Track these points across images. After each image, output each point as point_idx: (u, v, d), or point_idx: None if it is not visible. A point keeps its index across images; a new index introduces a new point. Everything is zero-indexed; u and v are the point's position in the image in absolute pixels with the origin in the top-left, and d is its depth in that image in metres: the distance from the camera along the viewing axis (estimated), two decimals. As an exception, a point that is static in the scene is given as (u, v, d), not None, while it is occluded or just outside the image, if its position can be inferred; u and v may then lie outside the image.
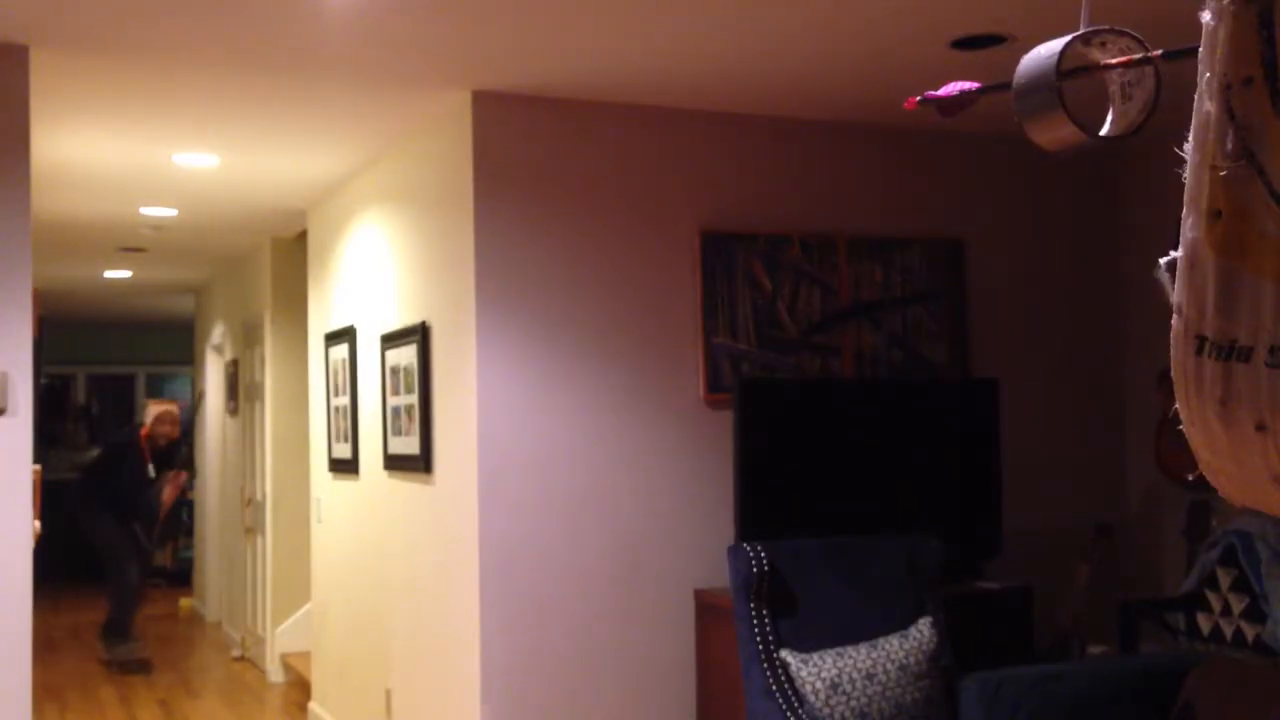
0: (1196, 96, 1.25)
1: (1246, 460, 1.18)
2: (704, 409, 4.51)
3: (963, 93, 1.79)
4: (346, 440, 5.66)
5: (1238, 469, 1.20)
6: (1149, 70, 1.58)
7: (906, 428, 4.51)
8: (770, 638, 3.79)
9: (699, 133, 4.58)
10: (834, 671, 3.68)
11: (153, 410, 8.73)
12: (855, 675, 3.69)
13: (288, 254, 7.49)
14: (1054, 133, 1.52)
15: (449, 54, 3.88)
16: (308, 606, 6.87)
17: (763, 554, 3.86)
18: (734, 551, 3.90)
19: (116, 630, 8.36)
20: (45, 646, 8.58)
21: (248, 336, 8.36)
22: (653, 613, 4.42)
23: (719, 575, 4.28)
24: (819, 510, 4.31)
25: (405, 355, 4.84)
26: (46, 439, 12.31)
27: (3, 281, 3.69)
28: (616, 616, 4.37)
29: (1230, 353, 1.17)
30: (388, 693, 5.11)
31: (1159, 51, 1.53)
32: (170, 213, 6.52)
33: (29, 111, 3.76)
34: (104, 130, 4.78)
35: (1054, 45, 1.59)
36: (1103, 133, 1.60)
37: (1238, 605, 4.10)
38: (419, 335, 4.68)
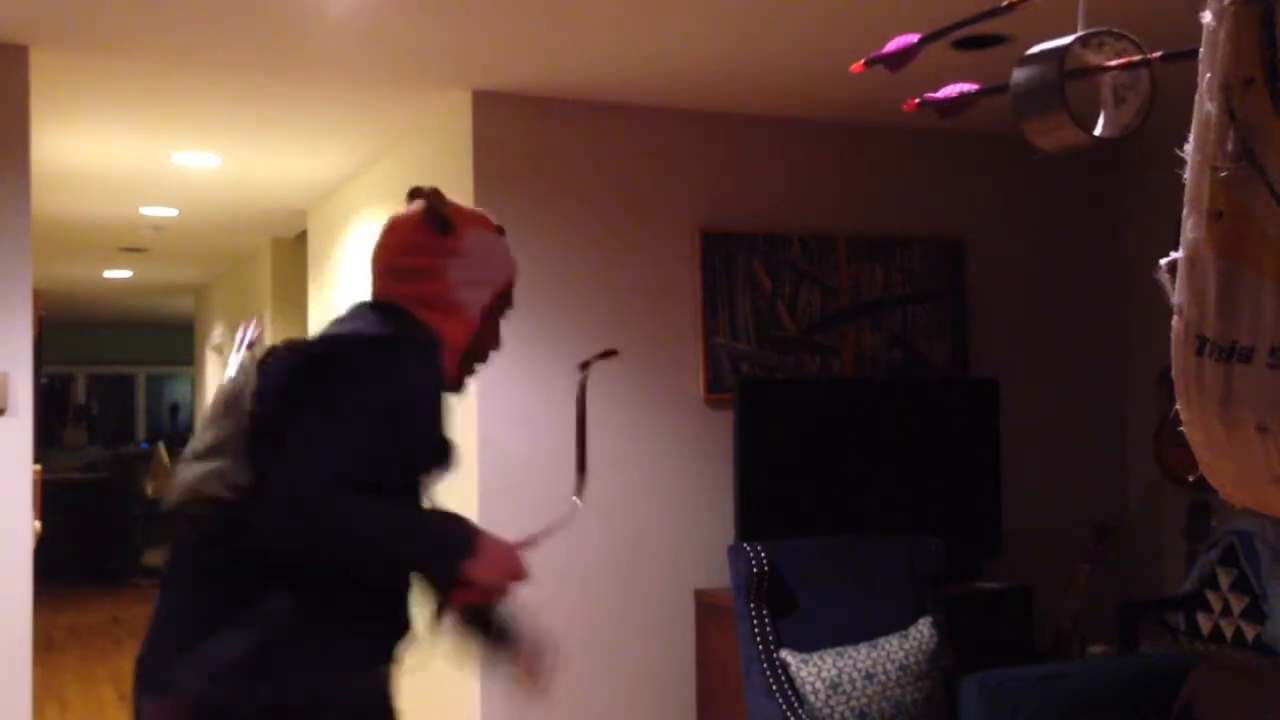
0: (1197, 97, 1.25)
1: (1247, 461, 1.18)
2: (704, 409, 4.51)
3: (962, 94, 1.79)
4: (346, 440, 5.64)
5: (1238, 470, 1.20)
6: (1144, 73, 1.58)
7: (906, 428, 4.51)
8: (770, 638, 3.79)
9: (699, 133, 4.57)
10: (834, 671, 3.68)
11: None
12: (855, 675, 3.69)
13: (288, 254, 7.48)
14: (1055, 134, 1.52)
15: (449, 54, 3.88)
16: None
17: (763, 554, 3.86)
18: (734, 551, 3.90)
19: None
20: (45, 646, 8.58)
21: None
22: (653, 613, 4.42)
23: (719, 575, 4.27)
24: (819, 510, 4.31)
25: (405, 355, 4.83)
26: (46, 439, 12.32)
27: (3, 281, 3.69)
28: (617, 616, 4.37)
29: (1231, 354, 1.17)
30: (388, 693, 5.11)
31: (1158, 54, 1.53)
32: (170, 213, 6.52)
33: (29, 111, 3.76)
34: (104, 130, 4.78)
35: (1052, 46, 1.58)
36: (1096, 134, 1.60)
37: (1238, 605, 4.10)
38: (419, 335, 4.67)
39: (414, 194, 2.10)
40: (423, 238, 2.05)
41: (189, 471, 1.86)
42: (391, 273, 2.07)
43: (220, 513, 1.81)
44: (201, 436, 1.90)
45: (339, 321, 2.04)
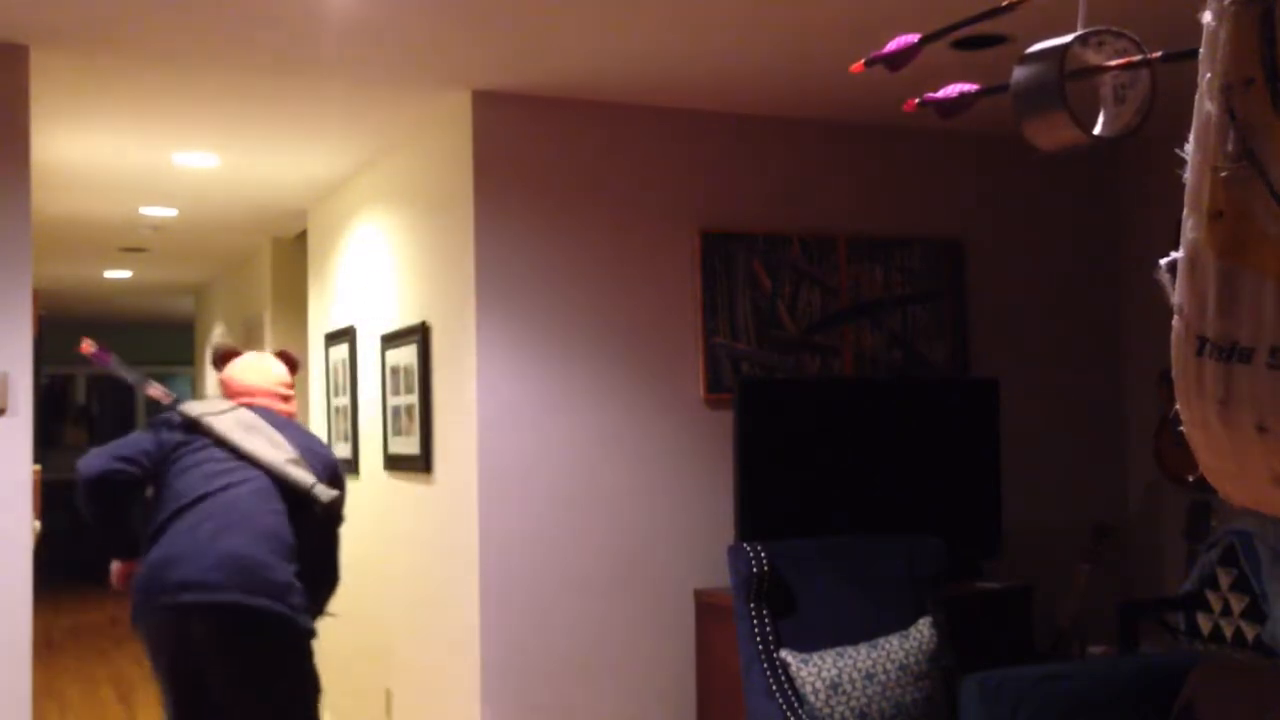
0: (1197, 97, 1.25)
1: (1247, 461, 1.18)
2: (704, 409, 4.51)
3: (962, 94, 1.79)
4: (346, 440, 5.66)
5: (1239, 470, 1.20)
6: (1144, 72, 1.58)
7: (906, 428, 4.51)
8: (770, 638, 3.79)
9: (699, 133, 4.57)
10: (834, 671, 3.68)
11: None
12: (855, 675, 3.69)
13: (288, 254, 7.48)
14: (1055, 133, 1.52)
15: (449, 54, 3.88)
16: (308, 606, 6.86)
17: (763, 554, 3.86)
18: (734, 551, 3.90)
19: None
20: (45, 646, 8.58)
21: (248, 336, 8.36)
22: (653, 613, 4.42)
23: (719, 575, 4.28)
24: (819, 510, 4.31)
25: (405, 355, 4.84)
26: (46, 439, 12.31)
27: (3, 281, 3.69)
28: (616, 616, 4.37)
29: (1231, 354, 1.17)
30: (388, 693, 5.11)
31: (1158, 53, 1.53)
32: (170, 213, 6.52)
33: (29, 111, 3.76)
34: (104, 130, 4.78)
35: (1052, 45, 1.58)
36: (1096, 133, 1.60)
37: (1238, 605, 4.10)
38: (419, 335, 4.68)
39: (279, 354, 4.10)
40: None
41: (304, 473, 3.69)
42: (287, 399, 4.01)
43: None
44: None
45: (311, 434, 3.98)
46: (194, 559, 3.36)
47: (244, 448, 3.58)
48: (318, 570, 3.72)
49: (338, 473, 3.81)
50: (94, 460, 3.54)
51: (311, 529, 3.65)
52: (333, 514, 3.73)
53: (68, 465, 12.98)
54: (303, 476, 3.61)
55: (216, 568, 3.34)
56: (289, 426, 3.81)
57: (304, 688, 3.50)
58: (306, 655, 3.52)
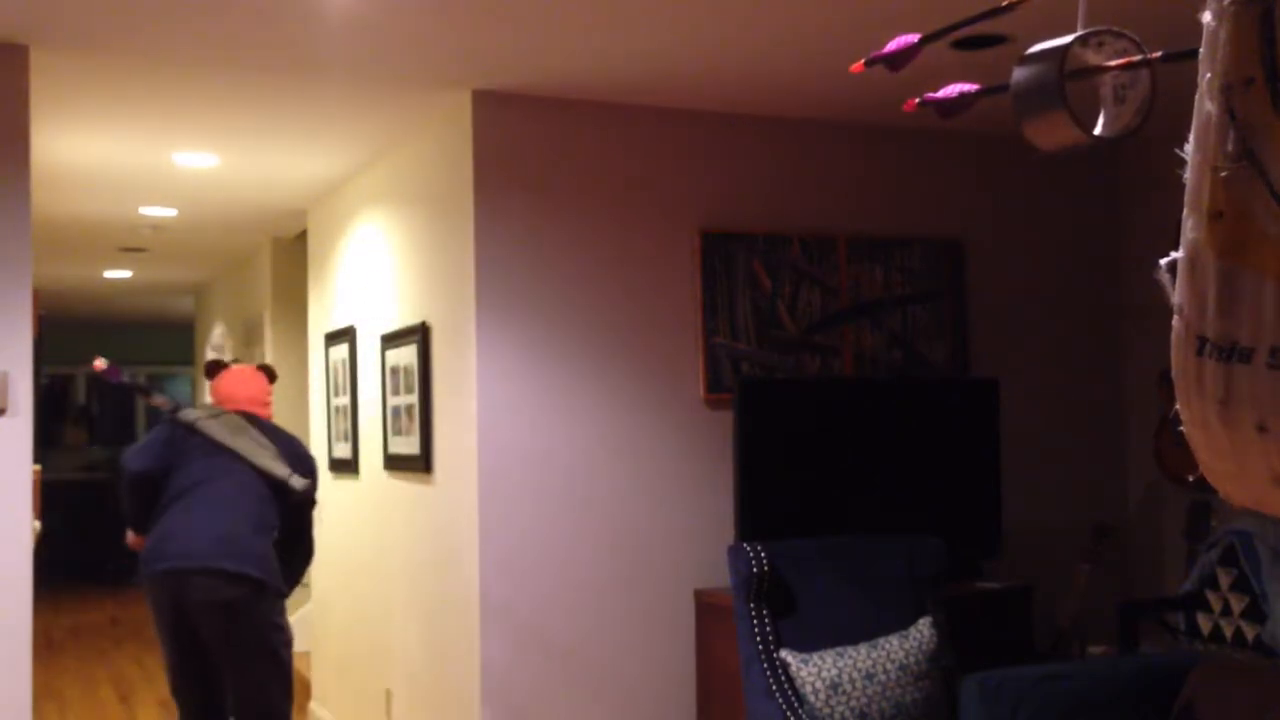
0: (1197, 97, 1.25)
1: (1247, 461, 1.18)
2: (704, 409, 4.51)
3: (962, 94, 1.79)
4: (346, 440, 5.66)
5: (1239, 470, 1.20)
6: (1144, 73, 1.58)
7: (906, 428, 4.51)
8: (770, 638, 3.79)
9: (699, 133, 4.57)
10: (834, 671, 3.68)
11: None
12: (855, 675, 3.69)
13: (288, 254, 7.48)
14: (1055, 133, 1.52)
15: (449, 54, 3.88)
16: (308, 606, 6.87)
17: (763, 554, 3.86)
18: (734, 551, 3.90)
19: None
20: (45, 646, 8.58)
21: (248, 336, 8.36)
22: (653, 613, 4.42)
23: (719, 575, 4.28)
24: (819, 510, 4.31)
25: (405, 355, 4.84)
26: (46, 439, 12.31)
27: (3, 281, 3.69)
28: (616, 616, 4.37)
29: (1231, 354, 1.17)
30: (388, 693, 5.11)
31: (1158, 53, 1.53)
32: (170, 213, 6.52)
33: (29, 111, 3.76)
34: (104, 130, 4.78)
35: (1052, 46, 1.58)
36: (1096, 133, 1.60)
37: (1238, 605, 4.10)
38: (419, 335, 4.68)
39: (260, 367, 4.82)
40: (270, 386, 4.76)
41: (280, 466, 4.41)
42: (267, 405, 4.68)
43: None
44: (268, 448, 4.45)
45: (287, 434, 4.64)
46: (190, 535, 4.12)
47: (232, 446, 4.33)
48: (295, 546, 4.50)
49: (310, 465, 4.54)
50: (138, 458, 4.31)
51: (289, 512, 4.42)
52: (305, 499, 4.47)
53: (68, 465, 12.97)
54: (279, 469, 4.36)
55: (208, 541, 4.11)
56: (269, 428, 4.55)
57: (277, 637, 4.25)
58: (280, 611, 4.29)
